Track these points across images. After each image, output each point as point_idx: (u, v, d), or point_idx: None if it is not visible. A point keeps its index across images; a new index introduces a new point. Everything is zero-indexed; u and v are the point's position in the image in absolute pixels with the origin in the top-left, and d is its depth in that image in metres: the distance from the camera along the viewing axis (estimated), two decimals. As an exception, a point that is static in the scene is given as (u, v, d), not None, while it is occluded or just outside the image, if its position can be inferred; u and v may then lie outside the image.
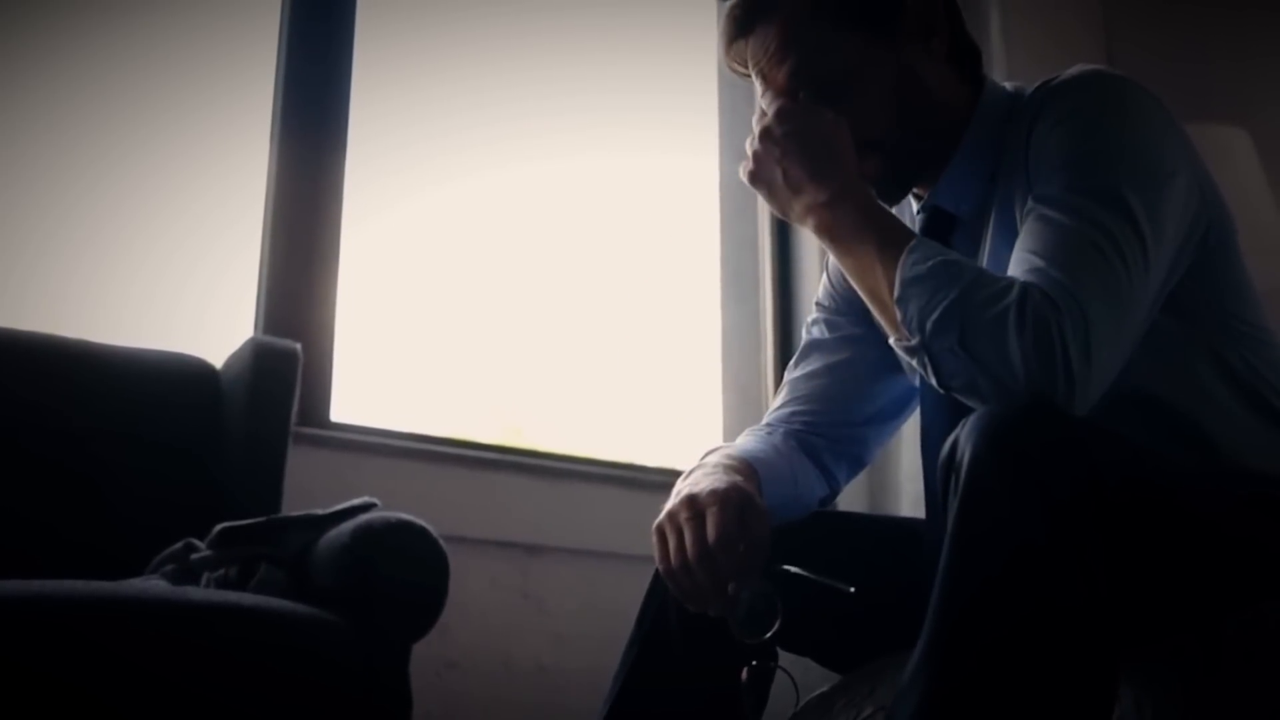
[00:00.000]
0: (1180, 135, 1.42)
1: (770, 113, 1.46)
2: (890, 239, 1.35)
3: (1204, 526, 1.24)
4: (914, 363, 1.31)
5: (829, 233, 1.40)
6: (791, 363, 1.71)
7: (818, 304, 1.72)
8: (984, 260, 1.46)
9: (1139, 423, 1.32)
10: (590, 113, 3.01)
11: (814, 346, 1.69)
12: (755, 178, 1.46)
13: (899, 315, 1.29)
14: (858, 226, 1.38)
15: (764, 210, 3.11)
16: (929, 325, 1.26)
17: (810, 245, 3.03)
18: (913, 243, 1.33)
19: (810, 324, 1.72)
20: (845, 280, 1.68)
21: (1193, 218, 1.39)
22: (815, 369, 1.67)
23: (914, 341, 1.28)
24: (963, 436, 1.17)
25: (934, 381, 1.29)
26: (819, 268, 1.79)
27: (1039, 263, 1.27)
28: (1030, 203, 1.35)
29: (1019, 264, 1.29)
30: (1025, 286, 1.24)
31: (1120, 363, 1.27)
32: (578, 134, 2.97)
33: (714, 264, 3.11)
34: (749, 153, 1.47)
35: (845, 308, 1.67)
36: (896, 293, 1.30)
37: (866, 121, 1.47)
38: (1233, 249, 1.45)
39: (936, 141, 1.51)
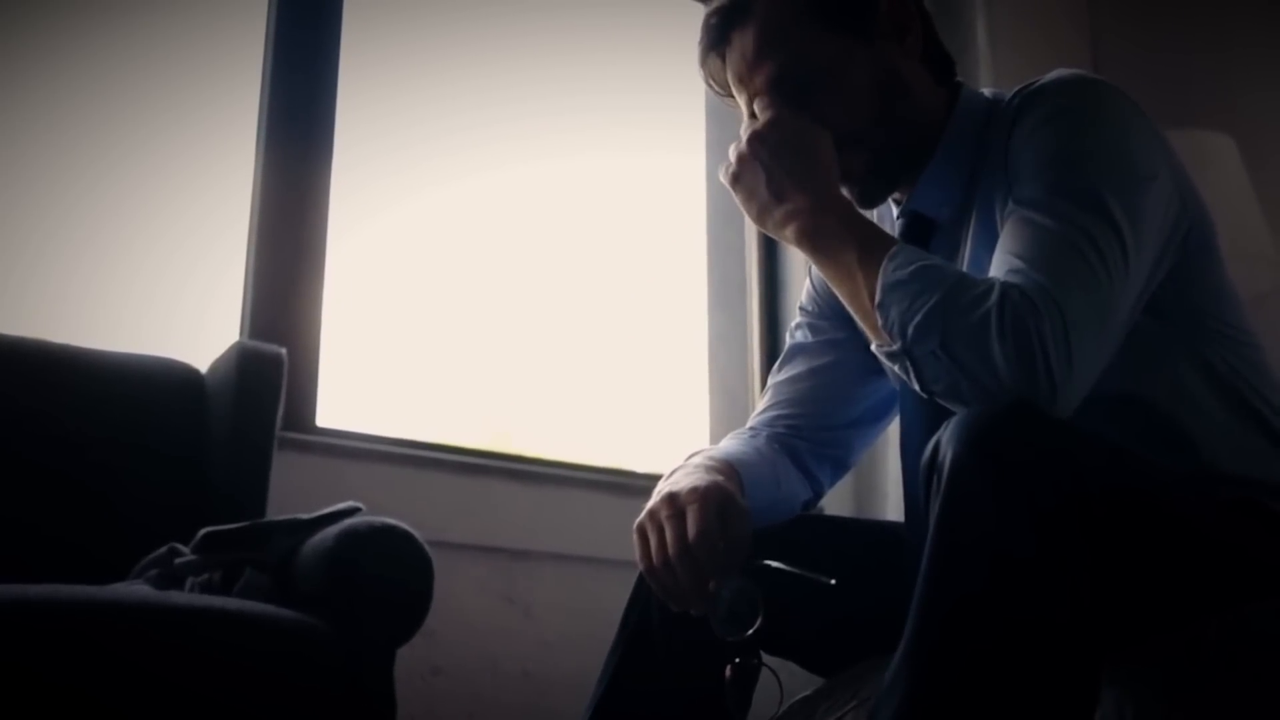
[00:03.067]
0: (1159, 138, 1.42)
1: (762, 119, 1.46)
2: (871, 245, 1.35)
3: (1186, 530, 1.24)
4: (896, 368, 1.32)
5: (810, 240, 1.41)
6: (775, 367, 1.71)
7: (801, 308, 1.73)
8: (964, 264, 1.47)
9: (1120, 425, 1.33)
10: (576, 120, 3.01)
11: (797, 350, 1.70)
12: (736, 181, 1.47)
13: (880, 321, 1.30)
14: (839, 233, 1.38)
15: (751, 215, 3.11)
16: (910, 330, 1.26)
17: (797, 251, 3.03)
18: (894, 249, 1.33)
19: (794, 328, 1.72)
20: (828, 284, 1.69)
21: (1173, 220, 1.39)
22: (798, 373, 1.68)
23: (895, 346, 1.28)
24: (944, 439, 1.17)
25: (916, 386, 1.29)
26: (804, 273, 1.80)
27: (1020, 265, 1.27)
28: (1010, 205, 1.36)
29: (1000, 266, 1.30)
30: (1005, 288, 1.24)
31: (1102, 365, 1.28)
32: (564, 141, 2.98)
33: (701, 270, 3.11)
34: (733, 156, 1.47)
35: (828, 312, 1.68)
36: (878, 298, 1.30)
37: (849, 118, 1.47)
38: (1213, 251, 1.45)
39: (916, 141, 1.52)
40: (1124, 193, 1.32)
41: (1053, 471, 1.13)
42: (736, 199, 1.48)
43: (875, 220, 1.65)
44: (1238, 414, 1.41)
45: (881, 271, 1.31)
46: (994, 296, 1.23)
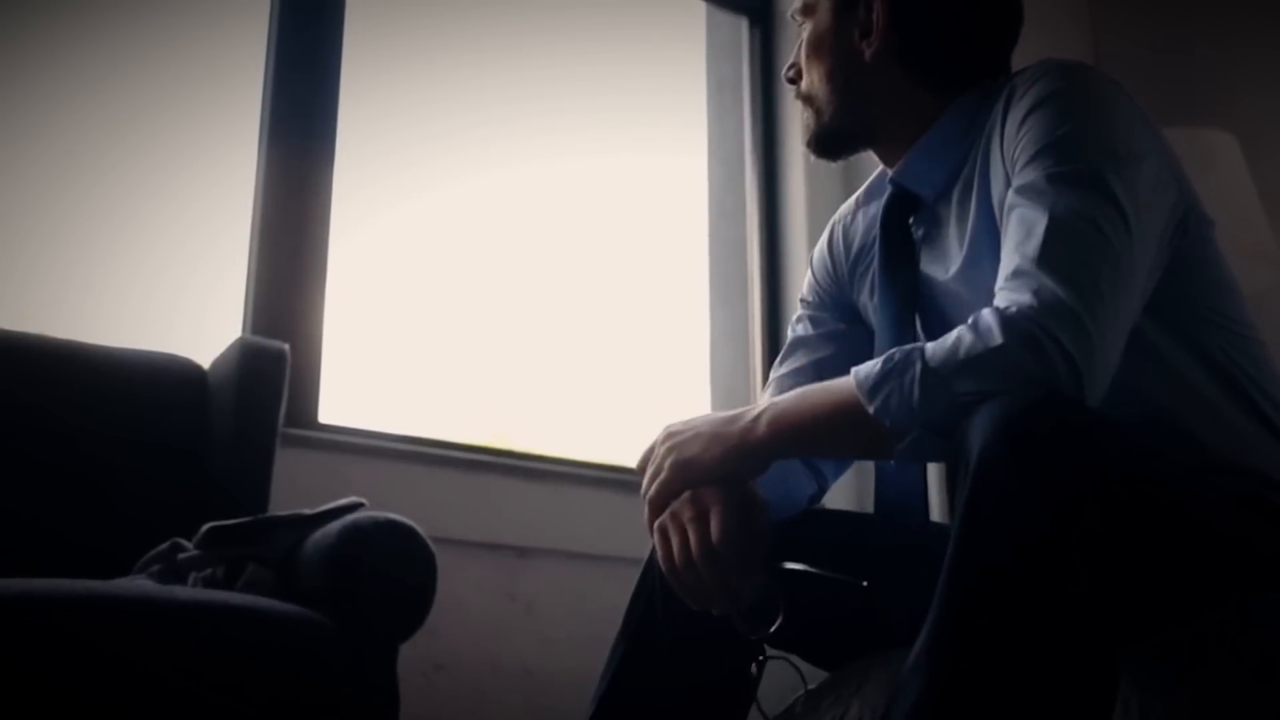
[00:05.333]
0: (1148, 122, 1.43)
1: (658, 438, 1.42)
2: (829, 383, 1.33)
3: (1196, 523, 1.24)
4: (931, 451, 1.26)
5: (783, 415, 1.35)
6: (777, 360, 1.71)
7: (802, 300, 1.73)
8: (962, 244, 1.47)
9: (1120, 418, 1.32)
10: (579, 117, 3.02)
11: (798, 344, 1.69)
12: (668, 488, 1.37)
13: (887, 423, 1.25)
14: (798, 397, 1.36)
15: (752, 213, 3.12)
16: (915, 404, 1.23)
17: (798, 248, 3.04)
18: (851, 371, 1.30)
19: (795, 321, 1.72)
20: (829, 275, 1.70)
21: (1172, 200, 1.40)
22: (800, 366, 1.67)
23: (917, 432, 1.24)
24: (972, 426, 1.17)
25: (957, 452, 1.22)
26: (806, 270, 1.80)
27: (1023, 263, 1.27)
28: (1010, 196, 1.36)
29: (1008, 262, 1.30)
30: (977, 318, 1.23)
31: (1122, 343, 1.27)
32: (567, 138, 2.98)
33: (703, 267, 3.11)
34: (651, 485, 1.39)
35: (829, 304, 1.68)
36: (871, 409, 1.26)
37: (809, 73, 1.61)
38: (1210, 243, 1.46)
39: (863, 123, 1.59)
40: (1120, 171, 1.32)
41: (1079, 459, 1.12)
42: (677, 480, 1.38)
43: (865, 198, 1.68)
44: (1239, 406, 1.41)
45: (857, 387, 1.27)
46: (969, 331, 1.23)
